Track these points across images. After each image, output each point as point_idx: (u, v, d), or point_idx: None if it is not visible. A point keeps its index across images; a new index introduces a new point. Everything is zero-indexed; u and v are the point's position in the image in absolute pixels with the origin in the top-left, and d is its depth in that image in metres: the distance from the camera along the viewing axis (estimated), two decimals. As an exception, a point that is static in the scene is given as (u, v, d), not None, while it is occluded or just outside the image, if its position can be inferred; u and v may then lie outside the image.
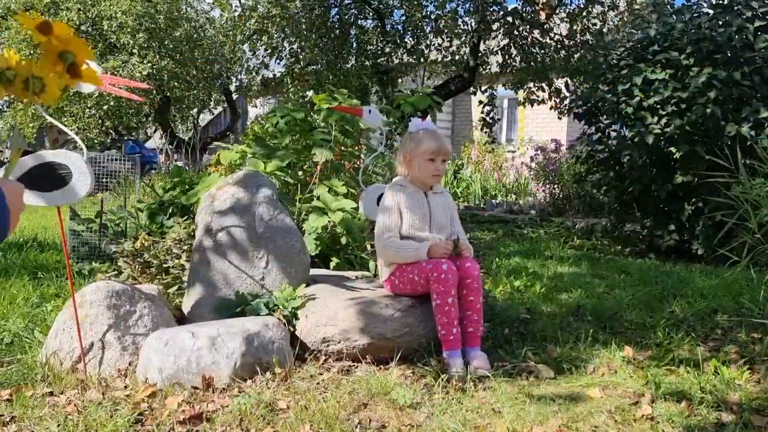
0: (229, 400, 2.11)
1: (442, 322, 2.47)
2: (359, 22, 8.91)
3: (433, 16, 8.33)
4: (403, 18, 8.50)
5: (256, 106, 16.16)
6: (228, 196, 2.88)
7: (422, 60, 8.52)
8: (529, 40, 8.38)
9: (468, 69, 8.38)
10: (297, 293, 2.71)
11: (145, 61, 11.48)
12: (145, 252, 3.25)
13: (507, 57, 8.63)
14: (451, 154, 2.73)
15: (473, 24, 8.17)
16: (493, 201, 9.62)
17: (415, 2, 7.99)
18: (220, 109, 18.38)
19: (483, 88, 8.93)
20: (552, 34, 8.49)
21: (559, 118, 9.35)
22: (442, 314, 2.47)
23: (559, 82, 8.78)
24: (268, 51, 8.36)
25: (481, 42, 8.28)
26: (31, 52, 11.42)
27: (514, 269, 4.52)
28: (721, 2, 5.37)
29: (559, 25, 8.67)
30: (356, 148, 4.27)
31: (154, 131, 20.59)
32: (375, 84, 8.60)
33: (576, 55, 8.29)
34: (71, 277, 2.39)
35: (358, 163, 4.32)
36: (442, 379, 2.27)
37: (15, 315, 2.97)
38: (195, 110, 15.93)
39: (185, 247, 3.21)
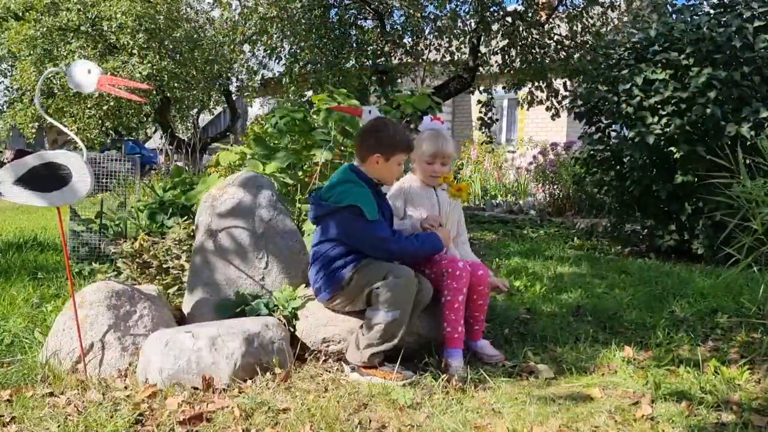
0: (230, 401, 2.11)
1: (450, 319, 2.49)
2: (359, 22, 8.90)
3: (432, 17, 8.32)
4: (403, 18, 8.50)
5: (251, 106, 16.13)
6: (228, 197, 2.88)
7: (422, 60, 8.52)
8: (528, 40, 8.38)
9: (467, 69, 8.38)
10: (297, 293, 2.71)
11: (144, 62, 11.47)
12: (145, 252, 3.25)
13: (506, 57, 8.63)
14: (453, 155, 2.73)
15: (473, 24, 8.17)
16: (493, 201, 9.62)
17: (415, 2, 7.98)
18: (219, 109, 18.38)
19: (482, 89, 8.93)
20: (552, 35, 8.48)
21: (553, 119, 9.34)
22: (451, 311, 2.50)
23: (558, 83, 8.78)
24: (267, 51, 8.36)
25: (481, 42, 8.27)
26: (30, 52, 11.42)
27: (515, 269, 4.53)
28: (721, 2, 5.37)
29: (559, 25, 8.67)
30: (356, 148, 4.26)
31: (154, 132, 20.59)
32: (374, 84, 8.60)
33: (576, 56, 8.28)
34: (71, 277, 2.39)
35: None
36: (443, 379, 2.27)
37: (15, 315, 2.97)
38: (195, 111, 15.94)
39: (185, 248, 3.21)
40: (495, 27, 8.11)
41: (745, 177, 2.24)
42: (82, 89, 2.34)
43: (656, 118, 5.04)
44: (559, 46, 8.41)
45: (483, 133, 9.08)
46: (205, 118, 20.34)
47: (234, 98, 15.75)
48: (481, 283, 2.60)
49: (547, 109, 9.07)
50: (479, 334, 2.64)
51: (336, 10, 8.60)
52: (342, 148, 4.07)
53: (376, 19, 8.64)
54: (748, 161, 2.54)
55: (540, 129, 13.85)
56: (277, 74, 9.67)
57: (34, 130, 12.31)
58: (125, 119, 12.98)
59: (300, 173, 3.97)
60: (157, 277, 3.21)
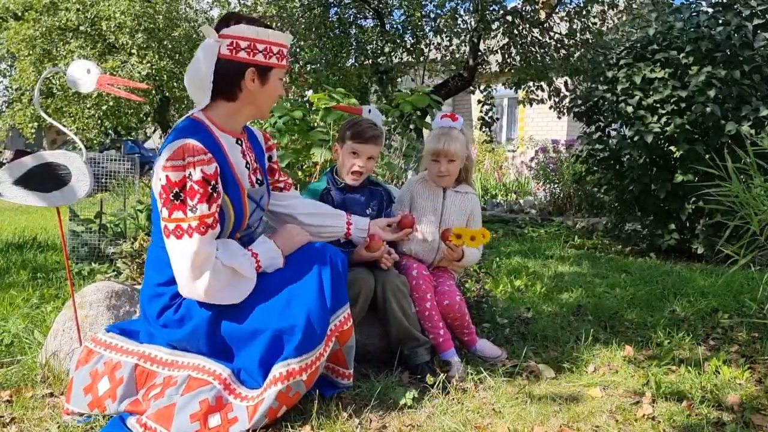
0: (230, 401, 2.10)
1: (427, 328, 2.49)
2: (359, 21, 8.91)
3: (432, 15, 8.32)
4: (403, 17, 8.50)
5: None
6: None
7: (422, 59, 8.52)
8: (528, 39, 8.38)
9: (467, 68, 8.38)
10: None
11: (144, 61, 11.47)
12: (145, 252, 3.24)
13: (507, 56, 8.63)
14: (459, 154, 2.62)
15: (473, 23, 8.17)
16: (493, 200, 9.62)
17: (415, 1, 7.98)
18: (219, 109, 18.34)
19: (482, 88, 8.93)
20: (552, 33, 8.48)
21: (559, 118, 9.36)
22: (424, 320, 2.50)
23: (559, 82, 8.78)
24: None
25: (481, 41, 8.27)
26: (30, 52, 11.41)
27: (515, 269, 4.52)
28: (720, 1, 5.36)
29: (558, 24, 8.67)
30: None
31: (154, 131, 20.58)
32: (374, 83, 8.60)
33: (576, 54, 8.28)
34: (71, 277, 2.38)
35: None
36: (443, 379, 2.27)
37: (15, 316, 2.97)
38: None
39: (185, 248, 3.20)
40: (495, 25, 8.12)
41: (736, 183, 2.23)
42: (81, 89, 2.34)
43: (656, 117, 5.04)
44: (558, 45, 8.41)
45: (483, 132, 9.08)
46: (204, 118, 20.29)
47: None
48: (451, 311, 2.53)
49: (550, 108, 9.08)
50: (473, 340, 2.60)
51: (336, 9, 8.60)
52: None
53: (375, 18, 8.64)
54: (748, 160, 2.53)
55: (540, 128, 13.86)
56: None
57: (33, 130, 12.29)
58: (124, 119, 12.97)
59: (299, 173, 3.97)
60: (157, 277, 3.21)
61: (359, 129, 2.49)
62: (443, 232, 2.57)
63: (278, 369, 1.87)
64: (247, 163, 2.06)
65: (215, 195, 1.87)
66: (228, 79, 1.95)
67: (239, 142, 2.05)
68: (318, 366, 1.94)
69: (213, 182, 1.86)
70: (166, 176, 1.83)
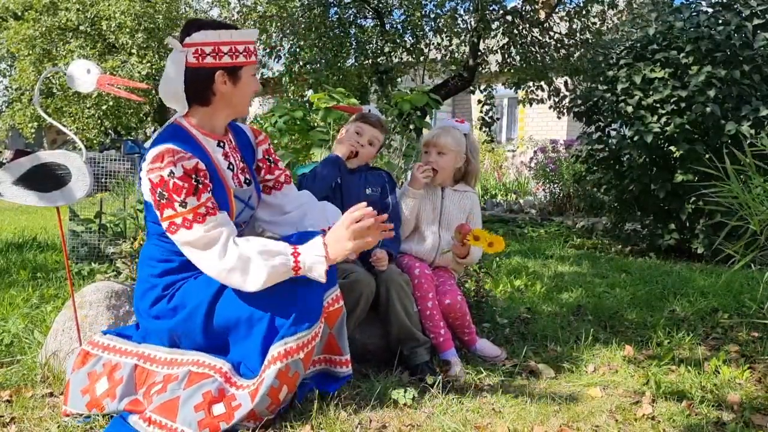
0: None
1: (428, 327, 2.49)
2: (358, 21, 8.90)
3: (432, 15, 8.32)
4: (403, 17, 8.50)
5: (251, 105, 16.15)
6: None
7: (422, 59, 8.51)
8: (528, 39, 8.37)
9: (467, 68, 8.37)
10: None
11: (144, 61, 11.46)
12: (145, 252, 3.24)
13: (506, 56, 8.62)
14: (449, 147, 2.62)
15: (473, 23, 8.16)
16: (493, 200, 9.62)
17: (415, 1, 7.98)
18: (219, 108, 18.33)
19: (482, 87, 8.92)
20: (551, 33, 8.48)
21: (559, 118, 9.36)
22: (425, 319, 2.50)
23: (559, 81, 8.77)
24: (267, 50, 8.36)
25: (481, 41, 8.27)
26: (29, 52, 11.40)
27: (515, 269, 4.52)
28: (720, 1, 5.36)
29: (558, 24, 8.66)
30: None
31: (154, 131, 20.56)
32: (374, 83, 8.59)
33: (576, 54, 8.28)
34: (71, 277, 2.38)
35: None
36: (443, 379, 2.27)
37: (14, 316, 2.97)
38: (194, 110, 15.93)
39: (185, 248, 3.19)
40: (495, 25, 8.11)
41: (735, 183, 2.23)
42: (81, 89, 2.34)
43: (655, 117, 5.04)
44: (558, 45, 8.41)
45: (483, 132, 9.07)
46: (204, 118, 20.27)
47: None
48: (452, 310, 2.54)
49: (550, 108, 9.08)
50: (473, 339, 2.60)
51: (336, 9, 8.59)
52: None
53: (375, 18, 8.63)
54: (748, 160, 2.53)
55: (540, 128, 13.85)
56: (276, 73, 9.67)
57: (33, 130, 12.29)
58: (124, 119, 12.97)
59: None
60: (157, 277, 3.20)
61: (366, 113, 2.66)
62: (459, 226, 2.57)
63: (276, 348, 1.88)
64: (230, 164, 2.07)
65: (201, 186, 1.89)
66: (199, 86, 1.98)
67: (221, 144, 2.07)
68: (313, 345, 1.94)
69: (194, 175, 1.88)
70: (150, 180, 1.89)
